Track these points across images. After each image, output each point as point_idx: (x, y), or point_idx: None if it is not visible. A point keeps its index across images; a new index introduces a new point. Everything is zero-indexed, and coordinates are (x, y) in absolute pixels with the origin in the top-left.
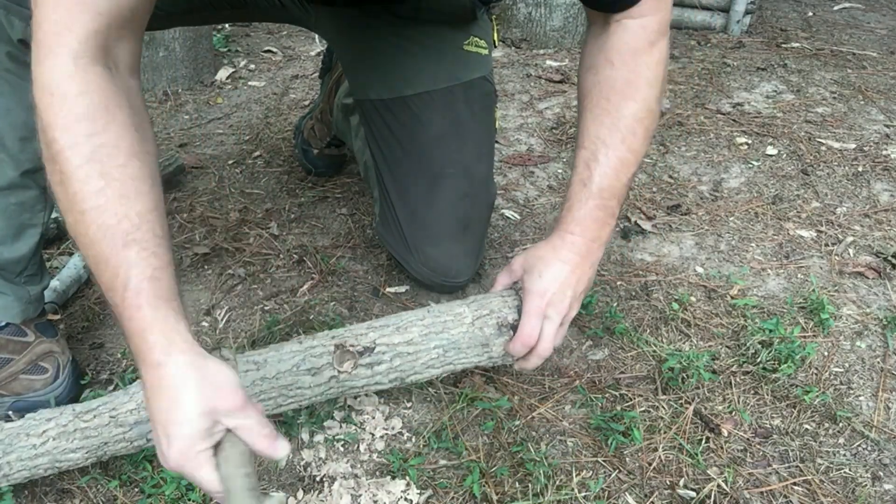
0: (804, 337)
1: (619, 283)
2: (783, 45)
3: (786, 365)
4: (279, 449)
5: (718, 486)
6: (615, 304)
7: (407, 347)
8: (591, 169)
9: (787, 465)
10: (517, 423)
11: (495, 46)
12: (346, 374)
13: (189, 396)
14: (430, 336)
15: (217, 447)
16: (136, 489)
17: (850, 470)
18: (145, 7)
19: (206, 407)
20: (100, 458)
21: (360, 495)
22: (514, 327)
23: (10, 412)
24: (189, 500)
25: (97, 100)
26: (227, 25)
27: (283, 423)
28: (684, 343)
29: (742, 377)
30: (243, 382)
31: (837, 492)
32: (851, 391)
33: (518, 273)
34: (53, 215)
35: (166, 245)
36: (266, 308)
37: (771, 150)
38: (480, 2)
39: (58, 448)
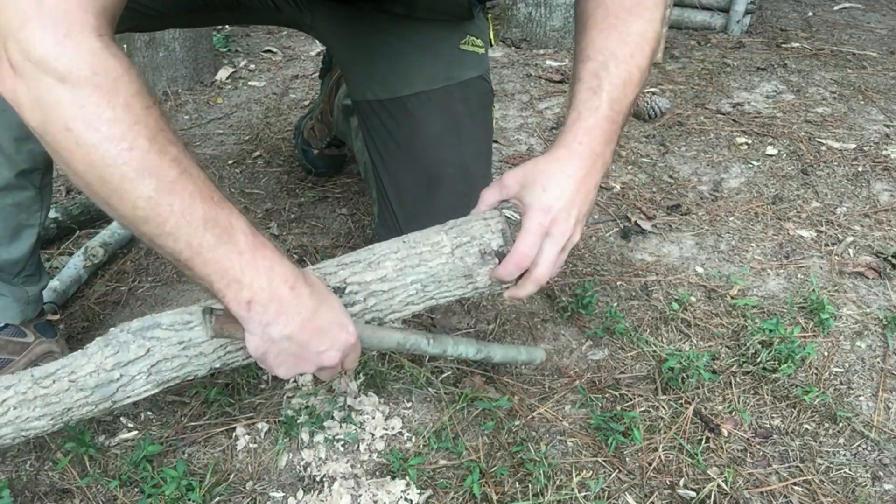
0: (804, 337)
1: (619, 283)
2: (783, 45)
3: (786, 365)
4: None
5: (718, 486)
6: (615, 304)
7: (381, 285)
8: (600, 78)
9: (787, 465)
10: (517, 423)
11: (492, 45)
12: None
13: (337, 302)
14: (405, 271)
15: None
16: (136, 489)
17: (850, 470)
18: None
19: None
20: (67, 424)
21: (360, 495)
22: (500, 254)
23: None
24: (189, 500)
25: (136, 74)
26: (226, 26)
27: (283, 423)
28: (684, 343)
29: (742, 377)
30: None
31: (837, 492)
32: (851, 391)
33: (513, 189)
34: (53, 215)
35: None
36: None
37: (771, 150)
38: (477, 0)
39: (20, 417)
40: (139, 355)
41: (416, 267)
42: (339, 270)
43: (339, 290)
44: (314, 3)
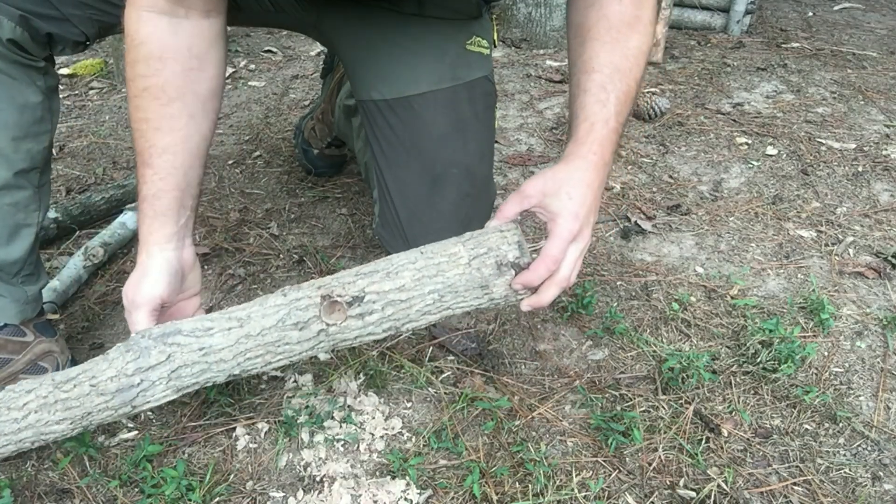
0: (804, 337)
1: (619, 283)
2: (783, 45)
3: (786, 365)
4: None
5: (718, 486)
6: (615, 304)
7: (399, 294)
8: (608, 91)
9: (787, 465)
10: (517, 423)
11: (495, 46)
12: (335, 327)
13: (129, 279)
14: (423, 281)
15: None
16: (136, 489)
17: (850, 470)
18: None
19: (130, 292)
20: (86, 428)
21: (360, 495)
22: (516, 266)
23: None
24: (189, 500)
25: (153, 48)
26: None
27: (283, 423)
28: (684, 343)
29: (742, 377)
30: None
31: (837, 492)
32: (851, 391)
33: (534, 199)
34: (53, 215)
35: (181, 173)
36: None
37: (771, 150)
38: (484, 0)
39: (40, 421)
40: (160, 361)
41: (433, 277)
42: (358, 280)
43: (357, 300)
44: (320, 2)
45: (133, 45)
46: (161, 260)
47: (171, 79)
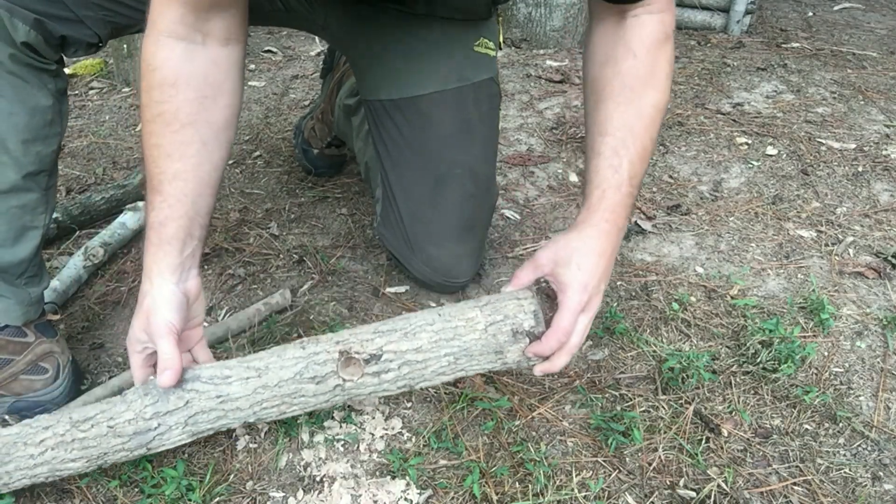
0: (804, 337)
1: (619, 283)
2: (783, 45)
3: (786, 365)
4: (162, 379)
5: (718, 486)
6: (615, 304)
7: (416, 355)
8: (620, 156)
9: (787, 465)
10: (517, 423)
11: (500, 49)
12: (351, 383)
13: (137, 315)
14: (440, 343)
15: None
16: (136, 489)
17: (850, 470)
18: None
19: (142, 326)
20: (101, 466)
21: (360, 495)
22: (531, 334)
23: (6, 416)
24: (189, 500)
25: (167, 74)
26: None
27: (283, 423)
28: (684, 343)
29: (742, 377)
30: (188, 314)
31: (837, 492)
32: (851, 391)
33: (546, 267)
34: (53, 215)
35: (189, 200)
36: None
37: (771, 150)
38: (493, 1)
39: (56, 458)
40: (177, 406)
41: (450, 340)
42: (376, 338)
43: (374, 358)
44: (329, 2)
45: (148, 70)
46: (167, 292)
47: (184, 105)
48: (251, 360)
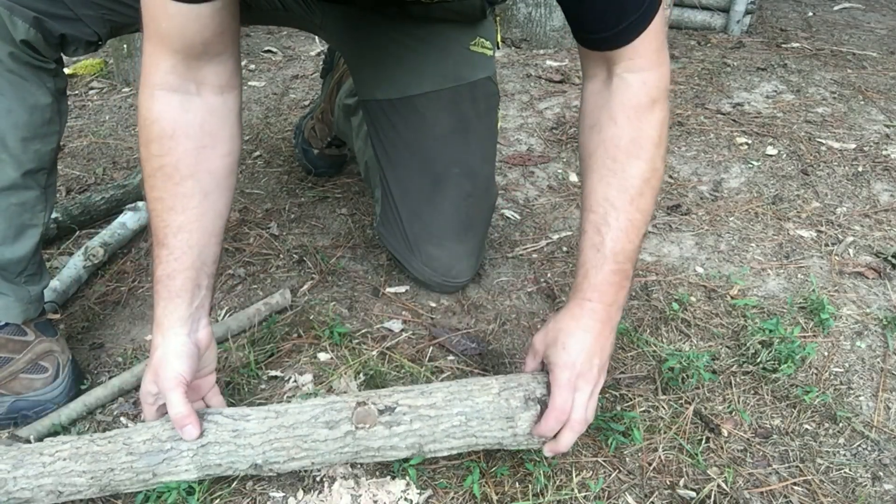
0: (804, 337)
1: None
2: (783, 45)
3: (786, 365)
4: (185, 433)
5: (718, 486)
6: None
7: (429, 411)
8: (602, 234)
9: (787, 465)
10: None
11: (498, 48)
12: (363, 431)
13: (148, 368)
14: (453, 401)
15: None
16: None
17: (850, 470)
18: (222, 33)
19: (152, 378)
20: (102, 490)
21: (360, 495)
22: (542, 402)
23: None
24: (189, 501)
25: (165, 127)
26: None
27: None
28: (684, 343)
29: (742, 377)
30: (201, 367)
31: (837, 492)
32: (851, 391)
33: (541, 351)
34: (53, 215)
35: (195, 252)
36: None
37: (771, 150)
38: (488, 1)
39: (65, 469)
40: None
41: (463, 400)
42: (395, 394)
43: (388, 409)
44: (326, 2)
45: (146, 124)
46: (177, 344)
47: (184, 157)
48: (273, 405)
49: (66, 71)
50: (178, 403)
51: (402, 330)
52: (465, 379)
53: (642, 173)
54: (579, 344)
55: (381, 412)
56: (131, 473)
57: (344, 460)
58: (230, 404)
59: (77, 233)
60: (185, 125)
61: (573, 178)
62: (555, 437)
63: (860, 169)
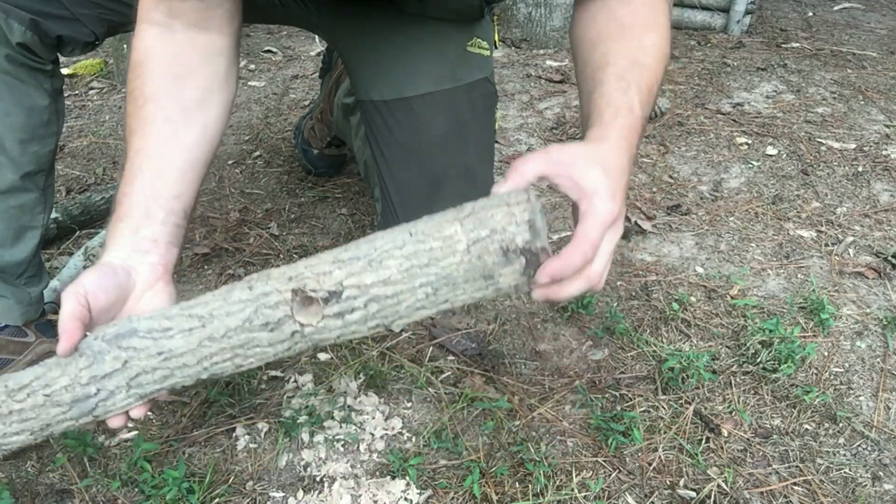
0: (804, 337)
1: (619, 283)
2: (783, 45)
3: (786, 365)
4: (59, 347)
5: (718, 486)
6: (615, 304)
7: (384, 289)
8: (627, 80)
9: (787, 465)
10: (517, 423)
11: (496, 48)
12: (311, 328)
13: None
14: (412, 272)
15: None
16: (137, 489)
17: (850, 470)
18: None
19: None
20: (49, 437)
21: (360, 495)
22: (526, 251)
23: None
24: (188, 501)
25: (139, 55)
26: None
27: (284, 423)
28: (684, 343)
29: (742, 377)
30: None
31: (837, 492)
32: (851, 391)
33: (562, 166)
34: (53, 215)
35: (147, 178)
36: None
37: (771, 150)
38: (485, 1)
39: None
40: (115, 368)
41: (424, 267)
42: (335, 270)
43: (334, 295)
44: (322, 1)
45: (130, 56)
46: (102, 263)
47: (149, 79)
48: (194, 307)
49: (66, 71)
50: (63, 312)
51: (402, 330)
52: (421, 226)
53: (658, 43)
54: (618, 179)
55: (325, 301)
56: (70, 421)
57: (300, 353)
58: (230, 404)
59: (77, 233)
60: (157, 53)
61: None
62: (564, 281)
63: (860, 169)
